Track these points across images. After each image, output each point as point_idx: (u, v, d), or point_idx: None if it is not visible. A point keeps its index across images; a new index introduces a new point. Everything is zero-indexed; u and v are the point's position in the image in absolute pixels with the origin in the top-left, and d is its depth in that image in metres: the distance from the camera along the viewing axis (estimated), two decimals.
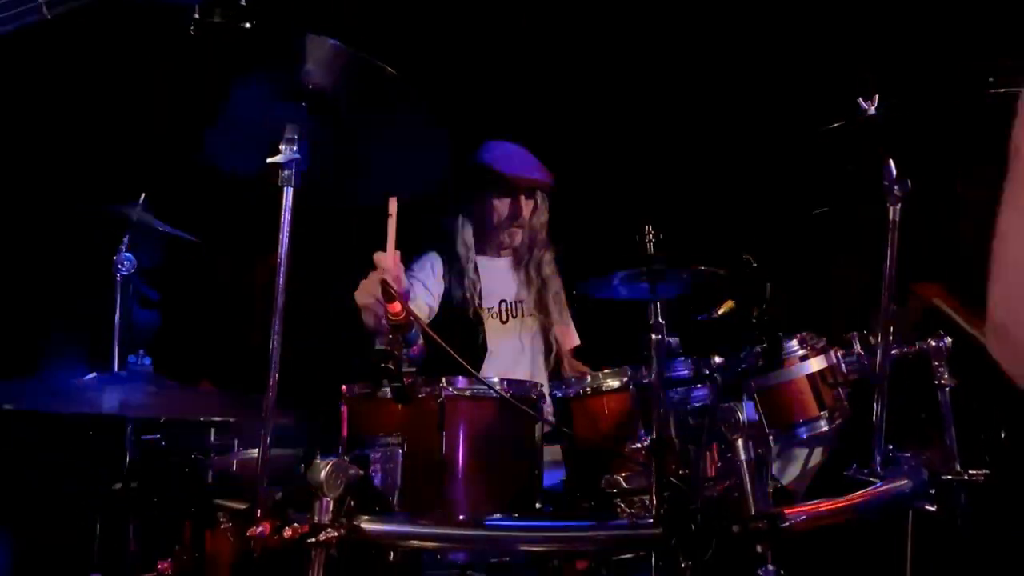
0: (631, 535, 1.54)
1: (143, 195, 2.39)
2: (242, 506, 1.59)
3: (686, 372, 1.81)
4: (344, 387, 1.81)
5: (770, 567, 2.11)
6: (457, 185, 2.77)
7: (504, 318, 2.79)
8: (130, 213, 2.32)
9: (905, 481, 1.88)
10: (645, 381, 1.75)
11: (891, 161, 1.93)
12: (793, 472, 2.34)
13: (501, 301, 2.79)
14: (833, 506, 1.65)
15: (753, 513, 1.53)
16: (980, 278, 0.78)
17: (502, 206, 2.74)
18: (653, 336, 1.65)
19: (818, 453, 2.38)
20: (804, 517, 1.57)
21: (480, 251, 2.78)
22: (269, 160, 1.56)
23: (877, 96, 1.94)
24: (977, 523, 1.94)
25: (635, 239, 1.67)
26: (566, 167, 2.86)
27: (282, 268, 1.58)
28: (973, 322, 2.44)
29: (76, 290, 2.63)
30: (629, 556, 1.98)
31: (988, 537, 1.98)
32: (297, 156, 1.56)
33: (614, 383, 1.81)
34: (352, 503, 1.54)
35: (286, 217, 1.58)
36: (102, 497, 1.93)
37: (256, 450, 2.41)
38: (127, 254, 2.36)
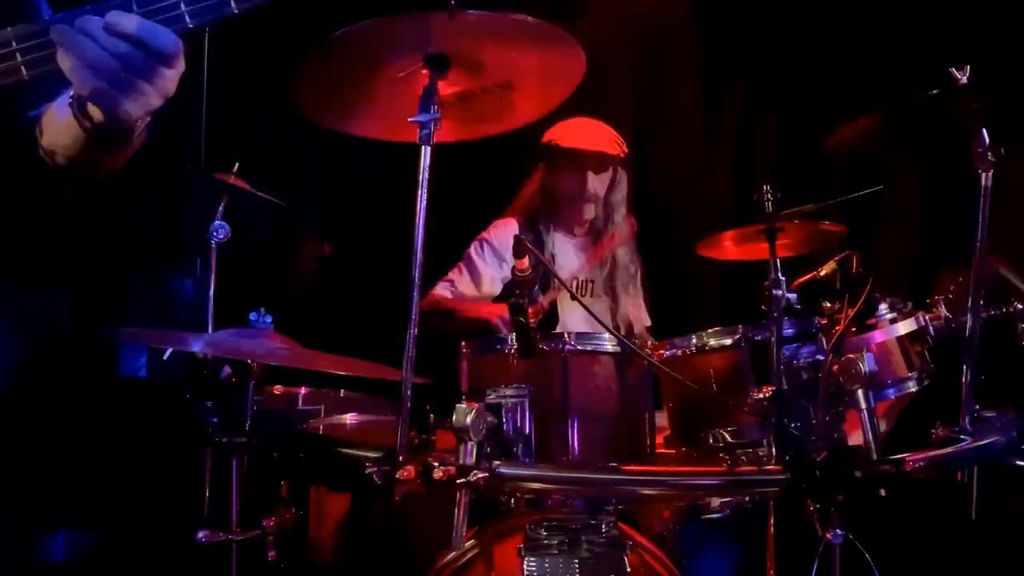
0: (761, 479, 1.60)
1: (237, 164, 2.44)
2: (378, 453, 1.64)
3: (791, 330, 1.88)
4: (463, 343, 1.86)
5: (838, 531, 2.21)
6: (532, 160, 2.83)
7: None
8: (227, 180, 2.38)
9: (997, 438, 1.95)
10: (758, 338, 1.82)
11: (984, 128, 1.99)
12: (856, 439, 2.41)
13: (573, 278, 2.84)
14: (943, 453, 1.71)
15: (875, 458, 1.59)
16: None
17: (568, 180, 2.77)
18: (773, 292, 1.71)
19: (883, 422, 2.46)
20: (923, 463, 1.64)
21: (558, 226, 2.83)
22: (410, 119, 1.62)
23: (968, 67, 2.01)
24: None
25: (753, 199, 1.73)
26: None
27: (420, 227, 1.63)
28: None
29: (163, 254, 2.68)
30: (715, 516, 2.07)
31: None
32: (436, 116, 1.62)
33: (726, 340, 1.87)
34: (488, 448, 1.61)
35: (424, 176, 1.63)
36: (219, 451, 1.98)
37: (348, 415, 2.51)
38: (221, 222, 2.41)
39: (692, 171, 3.46)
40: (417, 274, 1.62)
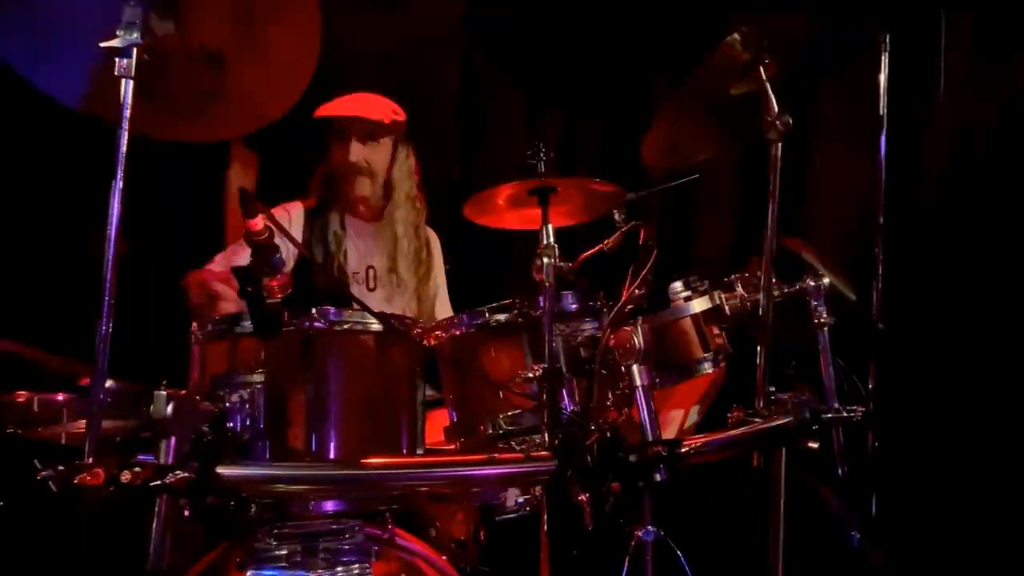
0: (526, 470, 1.41)
1: None
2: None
3: (575, 306, 1.72)
4: (194, 324, 1.58)
5: (650, 528, 2.08)
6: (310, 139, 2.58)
7: (372, 285, 2.60)
8: None
9: (789, 419, 1.87)
10: (536, 313, 1.64)
11: (772, 96, 1.92)
12: (671, 432, 2.30)
13: (369, 267, 2.60)
14: (725, 437, 1.60)
15: (650, 440, 1.45)
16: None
17: (336, 152, 2.55)
18: (545, 260, 1.54)
19: (695, 412, 2.37)
20: (701, 444, 1.51)
21: (342, 208, 2.59)
22: (103, 44, 1.33)
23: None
24: (852, 458, 1.96)
25: (526, 155, 1.55)
26: None
27: (119, 177, 1.34)
28: (834, 270, 2.50)
29: None
30: (512, 516, 1.88)
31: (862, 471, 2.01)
32: (138, 41, 1.34)
33: (500, 316, 1.68)
34: (205, 444, 1.34)
35: (125, 114, 1.34)
36: None
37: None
38: None
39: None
40: (112, 245, 1.33)
